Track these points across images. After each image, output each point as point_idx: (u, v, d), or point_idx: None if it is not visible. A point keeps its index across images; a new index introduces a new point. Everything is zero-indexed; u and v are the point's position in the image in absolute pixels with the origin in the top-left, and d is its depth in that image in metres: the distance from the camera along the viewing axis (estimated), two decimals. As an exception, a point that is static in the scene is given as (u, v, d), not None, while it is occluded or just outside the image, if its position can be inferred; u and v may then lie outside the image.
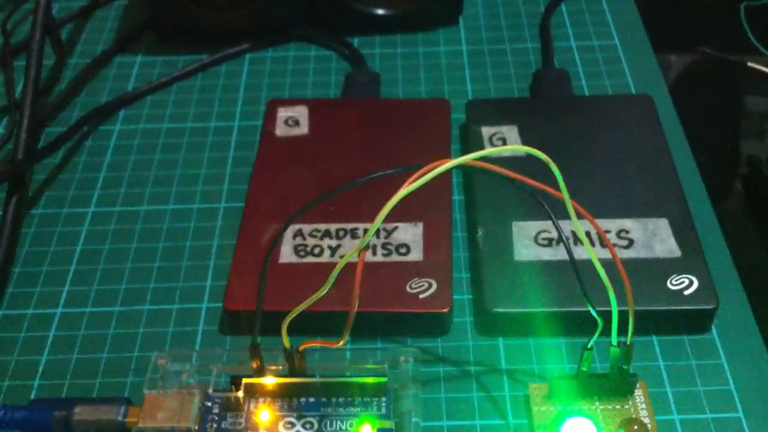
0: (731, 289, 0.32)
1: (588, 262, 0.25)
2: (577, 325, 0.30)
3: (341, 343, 0.26)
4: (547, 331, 0.30)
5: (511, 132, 0.37)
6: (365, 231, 0.33)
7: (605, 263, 0.25)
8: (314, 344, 0.26)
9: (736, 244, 0.33)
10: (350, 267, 0.25)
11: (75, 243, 0.34)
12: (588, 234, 0.32)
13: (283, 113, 0.38)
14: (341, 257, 0.32)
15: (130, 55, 0.44)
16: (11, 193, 0.34)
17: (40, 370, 0.30)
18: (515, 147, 0.24)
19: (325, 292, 0.25)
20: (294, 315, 0.25)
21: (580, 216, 0.25)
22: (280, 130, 0.37)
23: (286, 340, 0.26)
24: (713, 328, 0.31)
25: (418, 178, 0.24)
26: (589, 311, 0.29)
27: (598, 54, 0.43)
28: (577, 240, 0.32)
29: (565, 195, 0.25)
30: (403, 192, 0.24)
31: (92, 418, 0.27)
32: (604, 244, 0.32)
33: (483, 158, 0.24)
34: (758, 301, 0.31)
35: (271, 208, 0.34)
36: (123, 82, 0.42)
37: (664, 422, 0.28)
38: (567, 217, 0.25)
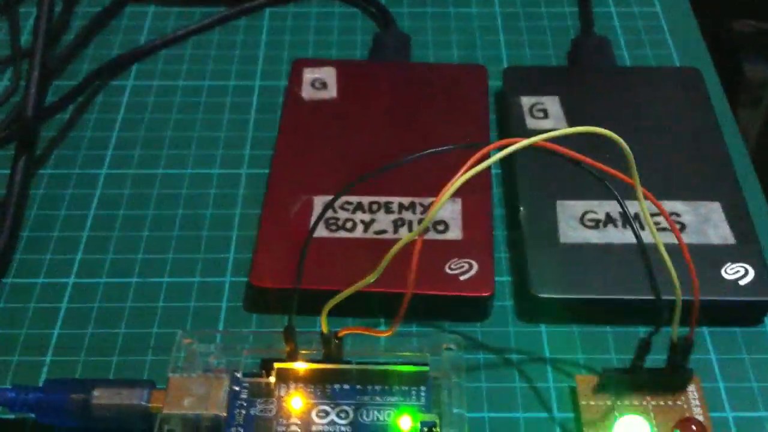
0: (785, 280, 0.30)
1: (638, 247, 0.23)
2: (626, 314, 0.28)
3: (390, 332, 0.24)
4: (594, 319, 0.29)
5: (552, 103, 0.35)
6: (400, 205, 0.31)
7: (656, 249, 0.23)
8: (357, 331, 0.24)
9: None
10: (390, 245, 0.23)
11: (87, 207, 0.32)
12: (636, 217, 0.30)
13: (309, 74, 0.35)
14: (375, 233, 0.30)
15: (141, 5, 0.41)
16: (19, 152, 0.31)
17: (52, 344, 0.28)
18: (586, 128, 0.22)
19: (375, 278, 0.23)
20: (336, 301, 0.23)
21: (627, 195, 0.23)
22: (307, 93, 0.35)
23: (324, 325, 0.24)
24: (766, 320, 0.29)
25: (484, 156, 0.22)
26: (640, 299, 0.27)
27: (638, 22, 0.40)
28: (626, 223, 0.30)
29: (636, 178, 0.23)
30: (471, 172, 0.22)
31: (113, 402, 0.25)
32: (659, 229, 0.30)
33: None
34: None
35: (298, 177, 0.32)
36: (135, 35, 0.39)
37: (718, 419, 0.26)
38: (612, 198, 0.23)
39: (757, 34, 0.39)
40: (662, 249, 0.23)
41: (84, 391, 0.25)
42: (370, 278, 0.23)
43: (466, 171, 0.22)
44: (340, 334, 0.25)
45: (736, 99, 0.37)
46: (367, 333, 0.24)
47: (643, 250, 0.24)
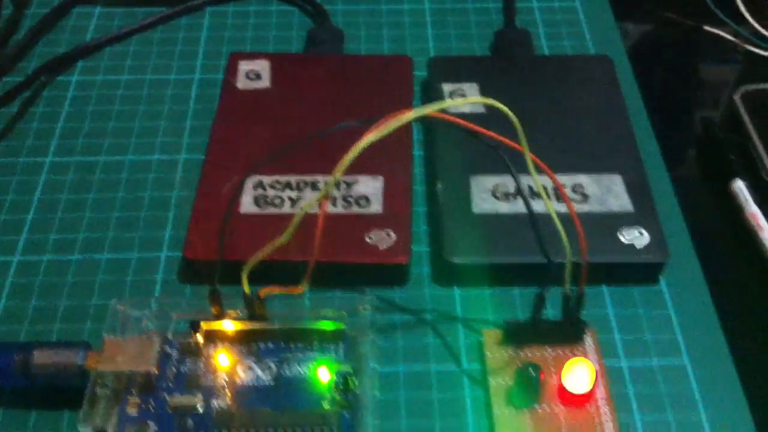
0: (681, 244, 0.33)
1: (543, 215, 0.26)
2: (531, 276, 0.30)
3: (301, 289, 0.26)
4: (503, 281, 0.31)
5: (471, 89, 0.37)
6: (326, 183, 0.33)
7: (561, 216, 0.26)
8: (274, 290, 0.27)
9: (689, 204, 0.34)
10: (311, 218, 0.25)
11: (32, 192, 0.34)
12: (545, 188, 0.33)
13: (244, 66, 0.38)
14: (302, 208, 0.32)
15: (89, 6, 0.43)
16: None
17: (-3, 316, 0.30)
18: (476, 99, 0.24)
19: (285, 240, 0.25)
20: (254, 263, 0.26)
21: (539, 171, 0.26)
22: (242, 84, 0.37)
23: (246, 286, 0.27)
24: (662, 279, 0.32)
25: (380, 128, 0.24)
26: (543, 262, 0.29)
27: (558, 15, 0.43)
28: (534, 194, 0.32)
29: (524, 145, 0.25)
30: (365, 141, 0.24)
31: (51, 361, 0.27)
32: (560, 198, 0.32)
33: (444, 111, 0.25)
34: (706, 256, 0.33)
35: (231, 160, 0.34)
36: (81, 34, 0.41)
37: (613, 368, 0.29)
38: (525, 171, 0.26)
39: (718, 39, 0.42)
40: (553, 213, 0.26)
41: (24, 352, 0.27)
42: (282, 239, 0.25)
43: (366, 138, 0.24)
44: (262, 294, 0.27)
45: (695, 99, 0.40)
46: (283, 291, 0.26)
47: (533, 219, 0.26)
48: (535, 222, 0.26)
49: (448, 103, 0.25)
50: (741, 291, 0.32)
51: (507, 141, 0.25)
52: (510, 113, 0.25)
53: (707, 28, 0.43)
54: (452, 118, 0.25)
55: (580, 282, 0.27)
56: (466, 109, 0.36)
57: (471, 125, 0.26)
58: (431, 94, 0.37)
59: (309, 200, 0.32)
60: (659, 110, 0.39)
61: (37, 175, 0.34)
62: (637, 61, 0.41)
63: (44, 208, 0.33)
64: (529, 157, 0.25)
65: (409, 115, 0.24)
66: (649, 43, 0.44)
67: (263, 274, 0.26)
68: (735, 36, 0.43)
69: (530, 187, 0.33)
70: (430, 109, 0.24)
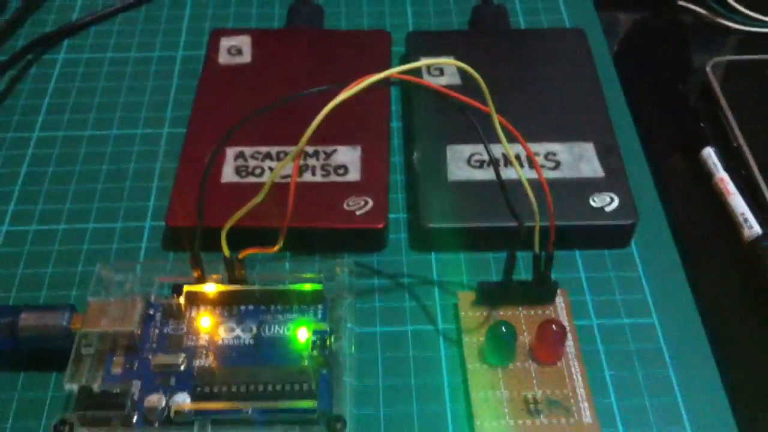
0: (651, 209, 0.34)
1: (517, 182, 0.27)
2: (504, 240, 0.31)
3: (277, 248, 0.27)
4: (477, 246, 0.32)
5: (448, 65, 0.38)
6: (304, 153, 0.34)
7: (533, 183, 0.27)
8: (253, 251, 0.27)
9: (660, 171, 0.35)
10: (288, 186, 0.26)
11: (19, 165, 0.35)
12: (518, 157, 0.34)
13: (225, 42, 0.38)
14: (282, 177, 0.33)
15: (74, -14, 0.44)
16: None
17: (-15, 283, 0.31)
18: (439, 60, 0.25)
19: (260, 199, 0.26)
20: (232, 222, 0.26)
21: (510, 139, 0.26)
22: (223, 59, 0.38)
23: (225, 249, 0.27)
24: (633, 243, 0.33)
25: (347, 90, 0.25)
26: (514, 226, 0.30)
27: (535, -9, 0.44)
28: (507, 162, 0.33)
29: (491, 107, 0.26)
30: (335, 101, 0.25)
31: (37, 323, 0.28)
32: (532, 165, 0.33)
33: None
34: (676, 221, 0.34)
35: (212, 132, 0.34)
36: (68, 13, 0.42)
37: (584, 327, 0.30)
38: (498, 141, 0.27)
39: (691, 12, 0.43)
40: (522, 176, 0.27)
41: (11, 315, 0.28)
42: (258, 198, 0.26)
43: (337, 99, 0.25)
44: (241, 256, 0.28)
45: (668, 71, 0.41)
46: (260, 251, 0.27)
47: (502, 184, 0.27)
48: (506, 188, 0.27)
49: (414, 65, 0.25)
50: (709, 253, 0.33)
51: (476, 103, 0.26)
52: (475, 74, 0.25)
53: (681, 2, 0.44)
54: (421, 81, 0.26)
55: (549, 243, 0.28)
56: (443, 81, 0.37)
57: (440, 88, 0.27)
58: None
59: (289, 171, 0.33)
60: (633, 82, 0.39)
61: (24, 149, 0.35)
62: (612, 34, 0.42)
63: (31, 181, 0.34)
64: (495, 118, 0.26)
65: (374, 77, 0.25)
66: (624, 18, 0.45)
67: (244, 241, 0.27)
68: (707, 10, 0.44)
69: (503, 155, 0.33)
70: (394, 71, 0.25)
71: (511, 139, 0.27)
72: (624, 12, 0.45)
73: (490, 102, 0.26)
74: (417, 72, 0.37)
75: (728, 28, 0.43)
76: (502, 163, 0.33)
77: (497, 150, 0.34)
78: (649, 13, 0.45)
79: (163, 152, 0.35)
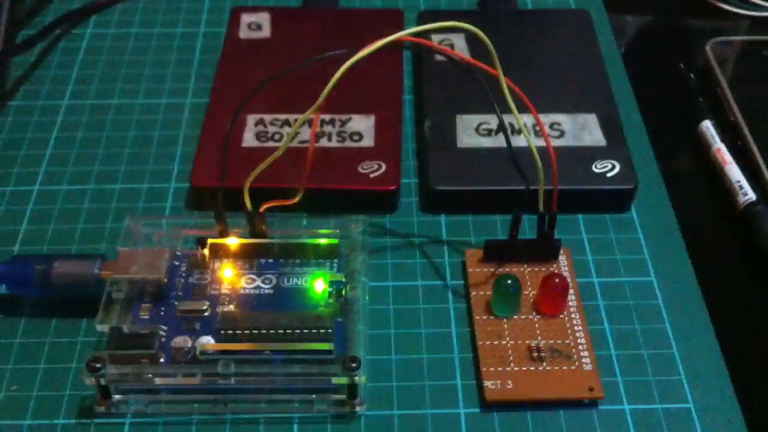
0: (650, 176, 0.35)
1: (521, 149, 0.28)
2: (510, 203, 0.33)
3: (296, 200, 0.29)
4: (484, 208, 0.34)
5: (458, 39, 0.40)
6: (321, 120, 0.35)
7: (537, 150, 0.28)
8: (273, 203, 0.29)
9: (659, 142, 0.37)
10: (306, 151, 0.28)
11: (50, 131, 0.37)
12: (525, 126, 0.35)
13: (246, 18, 0.40)
14: (300, 143, 0.35)
15: (100, -33, 0.46)
16: (-11, 81, 0.36)
17: (20, 238, 0.32)
18: (448, 24, 0.27)
19: (281, 152, 0.28)
20: (256, 174, 0.28)
21: (519, 109, 0.28)
22: (243, 33, 0.40)
23: (248, 202, 0.29)
24: (633, 209, 0.34)
25: (360, 52, 0.27)
26: (520, 190, 0.32)
27: (542, -26, 0.46)
28: (514, 130, 0.35)
29: (499, 70, 0.28)
30: (355, 58, 0.27)
31: (70, 271, 0.29)
32: (537, 134, 0.35)
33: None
34: (674, 188, 0.35)
35: (234, 100, 0.36)
36: (94, -9, 0.44)
37: (585, 284, 0.32)
38: (505, 109, 0.28)
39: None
40: (531, 143, 0.28)
41: (46, 263, 0.29)
42: (280, 150, 0.27)
43: (353, 59, 0.26)
44: (262, 209, 0.30)
45: (669, 50, 0.43)
46: (280, 203, 0.29)
47: (509, 144, 0.29)
48: (513, 152, 0.29)
49: (424, 28, 0.27)
50: (706, 219, 0.35)
51: (485, 66, 0.28)
52: (485, 37, 0.27)
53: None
54: (432, 44, 0.28)
55: (553, 202, 0.30)
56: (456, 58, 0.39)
57: (449, 50, 0.28)
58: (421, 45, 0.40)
59: (307, 137, 0.35)
60: (635, 60, 0.41)
61: (55, 116, 0.37)
62: (615, 14, 0.44)
63: (61, 145, 0.36)
64: (503, 80, 0.28)
65: (387, 39, 0.27)
66: (627, 1, 0.47)
67: (264, 202, 0.29)
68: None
69: (510, 124, 0.35)
70: (406, 33, 0.27)
71: (519, 108, 0.28)
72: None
73: (497, 65, 0.28)
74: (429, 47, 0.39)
75: (727, 11, 0.45)
76: (509, 132, 0.35)
77: (504, 119, 0.35)
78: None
79: (186, 120, 0.37)
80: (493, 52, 0.27)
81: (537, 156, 0.29)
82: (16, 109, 0.38)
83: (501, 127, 0.29)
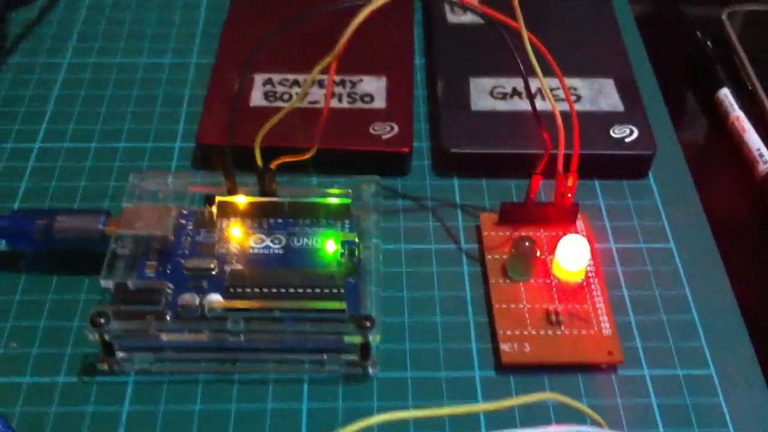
0: (668, 142, 0.34)
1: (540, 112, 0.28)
2: (525, 166, 0.32)
3: (308, 155, 0.28)
4: (498, 171, 0.33)
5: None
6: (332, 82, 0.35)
7: (551, 114, 0.28)
8: (285, 159, 0.28)
9: (676, 109, 0.36)
10: (317, 111, 0.27)
11: (51, 88, 0.35)
12: (539, 91, 0.34)
13: (254, -24, 0.39)
14: (309, 103, 0.34)
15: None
16: (-11, 36, 0.35)
17: (20, 194, 0.31)
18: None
19: (297, 103, 0.27)
20: (269, 127, 0.27)
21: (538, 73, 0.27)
22: (251, -8, 0.39)
23: (258, 158, 0.28)
24: (650, 175, 0.33)
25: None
26: (536, 153, 0.31)
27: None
28: (528, 95, 0.34)
29: (521, 22, 0.27)
30: (371, 7, 0.26)
31: (73, 226, 0.28)
32: (556, 98, 0.34)
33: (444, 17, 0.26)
34: (692, 154, 0.34)
35: (241, 58, 0.35)
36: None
37: (603, 249, 0.31)
38: (518, 75, 0.28)
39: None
40: (552, 103, 0.28)
41: (47, 217, 0.28)
42: (293, 104, 0.26)
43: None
44: (273, 165, 0.29)
45: (686, 18, 0.42)
46: (292, 158, 0.28)
47: (534, 108, 0.28)
48: (531, 115, 0.28)
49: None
50: (724, 185, 0.34)
51: (506, 19, 0.27)
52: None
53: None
54: (455, -5, 0.27)
55: (573, 164, 0.29)
56: (466, 20, 0.38)
57: (471, 2, 0.27)
58: (432, 6, 0.39)
59: (316, 97, 0.34)
60: (651, 27, 0.40)
61: (56, 74, 0.36)
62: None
63: (63, 103, 0.35)
64: (525, 34, 0.27)
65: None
66: None
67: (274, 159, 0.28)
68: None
69: (525, 89, 0.34)
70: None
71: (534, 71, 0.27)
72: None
73: (520, 19, 0.27)
74: (442, 11, 0.38)
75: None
76: (523, 95, 0.34)
77: (518, 84, 0.35)
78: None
79: (191, 80, 0.36)
80: (516, 6, 0.26)
81: (559, 116, 0.28)
82: (16, 66, 0.36)
83: (526, 86, 0.28)
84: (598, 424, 0.22)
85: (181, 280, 0.28)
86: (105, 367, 0.26)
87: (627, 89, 0.35)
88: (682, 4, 0.44)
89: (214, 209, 0.29)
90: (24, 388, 0.26)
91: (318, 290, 0.27)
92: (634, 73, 0.36)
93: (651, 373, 0.27)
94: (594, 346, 0.27)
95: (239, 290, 0.27)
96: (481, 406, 0.22)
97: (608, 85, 0.35)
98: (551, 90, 0.32)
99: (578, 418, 0.24)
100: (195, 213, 0.29)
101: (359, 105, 0.34)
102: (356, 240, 0.29)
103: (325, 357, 0.27)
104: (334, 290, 0.27)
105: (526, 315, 0.28)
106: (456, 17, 0.38)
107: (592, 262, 0.30)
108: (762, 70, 0.37)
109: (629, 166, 0.33)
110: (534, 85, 0.28)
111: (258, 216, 0.30)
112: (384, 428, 0.25)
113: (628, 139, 0.33)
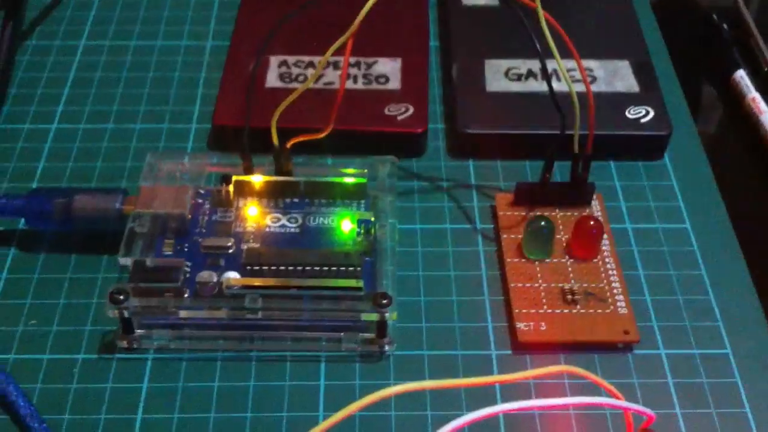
0: (684, 123, 0.34)
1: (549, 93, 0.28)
2: (540, 147, 0.32)
3: (324, 134, 0.28)
4: (513, 153, 0.33)
5: (487, -16, 0.39)
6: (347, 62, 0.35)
7: (566, 94, 0.27)
8: (301, 138, 0.28)
9: (691, 92, 0.36)
10: (332, 92, 0.27)
11: (68, 70, 0.36)
12: (555, 72, 0.34)
13: (269, -39, 0.39)
14: (324, 84, 0.34)
15: None
16: (6, 22, 0.35)
17: (38, 174, 0.32)
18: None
19: (311, 83, 0.27)
20: (286, 104, 0.27)
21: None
22: (266, -24, 0.39)
23: (275, 137, 0.28)
24: (666, 156, 0.33)
25: None
26: (551, 134, 0.31)
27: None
28: (544, 77, 0.34)
29: (538, 3, 0.27)
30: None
31: (91, 205, 0.28)
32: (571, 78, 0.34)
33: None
34: (707, 136, 0.34)
35: (256, 40, 0.35)
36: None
37: (618, 230, 0.31)
38: (534, 57, 0.27)
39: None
40: (569, 83, 0.27)
41: (66, 196, 0.28)
42: (309, 82, 0.27)
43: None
44: (289, 145, 0.29)
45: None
46: (307, 138, 0.28)
47: (550, 87, 0.28)
48: (546, 96, 0.28)
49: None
50: (740, 168, 0.34)
51: (523, -1, 0.27)
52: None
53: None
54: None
55: (588, 144, 0.29)
56: (481, 1, 0.38)
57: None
58: (447, -9, 0.39)
59: (332, 78, 0.34)
60: (667, 9, 0.40)
61: (72, 57, 0.36)
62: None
63: (79, 85, 0.35)
64: (541, 13, 0.27)
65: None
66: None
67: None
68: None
69: (541, 69, 0.34)
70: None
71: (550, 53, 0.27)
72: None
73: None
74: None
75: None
76: (539, 77, 0.34)
77: (533, 65, 0.35)
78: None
79: (206, 63, 0.36)
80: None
81: (575, 96, 0.28)
82: (33, 48, 0.37)
83: (542, 66, 0.28)
84: (615, 398, 0.22)
85: (198, 258, 0.28)
86: (124, 344, 0.27)
87: (642, 71, 0.35)
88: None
89: (231, 188, 0.29)
90: (44, 365, 0.26)
91: (334, 268, 0.27)
92: (650, 55, 0.36)
93: (667, 353, 0.27)
94: (610, 325, 0.27)
95: (256, 268, 0.27)
96: (497, 378, 0.23)
97: (624, 67, 0.35)
98: (567, 71, 0.32)
99: (595, 393, 0.24)
100: (212, 192, 0.30)
101: (374, 86, 0.34)
102: (372, 219, 0.29)
103: (342, 335, 0.27)
104: (351, 268, 0.27)
105: (542, 294, 0.28)
106: (473, 0, 0.38)
107: (608, 242, 0.30)
108: (778, 51, 0.37)
109: (645, 147, 0.33)
110: (549, 66, 0.28)
111: (274, 195, 0.30)
112: (401, 404, 0.26)
113: (643, 120, 0.33)
